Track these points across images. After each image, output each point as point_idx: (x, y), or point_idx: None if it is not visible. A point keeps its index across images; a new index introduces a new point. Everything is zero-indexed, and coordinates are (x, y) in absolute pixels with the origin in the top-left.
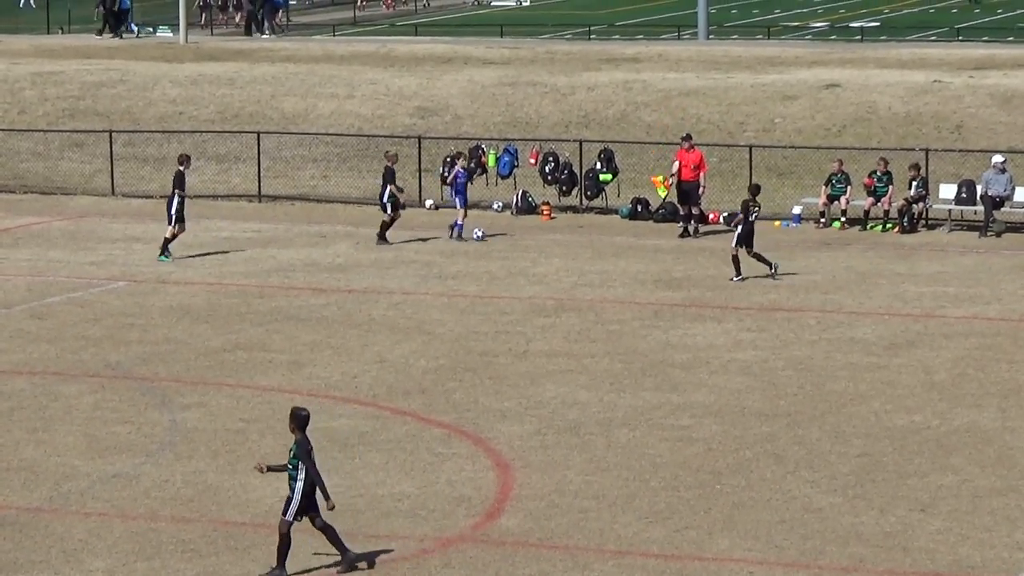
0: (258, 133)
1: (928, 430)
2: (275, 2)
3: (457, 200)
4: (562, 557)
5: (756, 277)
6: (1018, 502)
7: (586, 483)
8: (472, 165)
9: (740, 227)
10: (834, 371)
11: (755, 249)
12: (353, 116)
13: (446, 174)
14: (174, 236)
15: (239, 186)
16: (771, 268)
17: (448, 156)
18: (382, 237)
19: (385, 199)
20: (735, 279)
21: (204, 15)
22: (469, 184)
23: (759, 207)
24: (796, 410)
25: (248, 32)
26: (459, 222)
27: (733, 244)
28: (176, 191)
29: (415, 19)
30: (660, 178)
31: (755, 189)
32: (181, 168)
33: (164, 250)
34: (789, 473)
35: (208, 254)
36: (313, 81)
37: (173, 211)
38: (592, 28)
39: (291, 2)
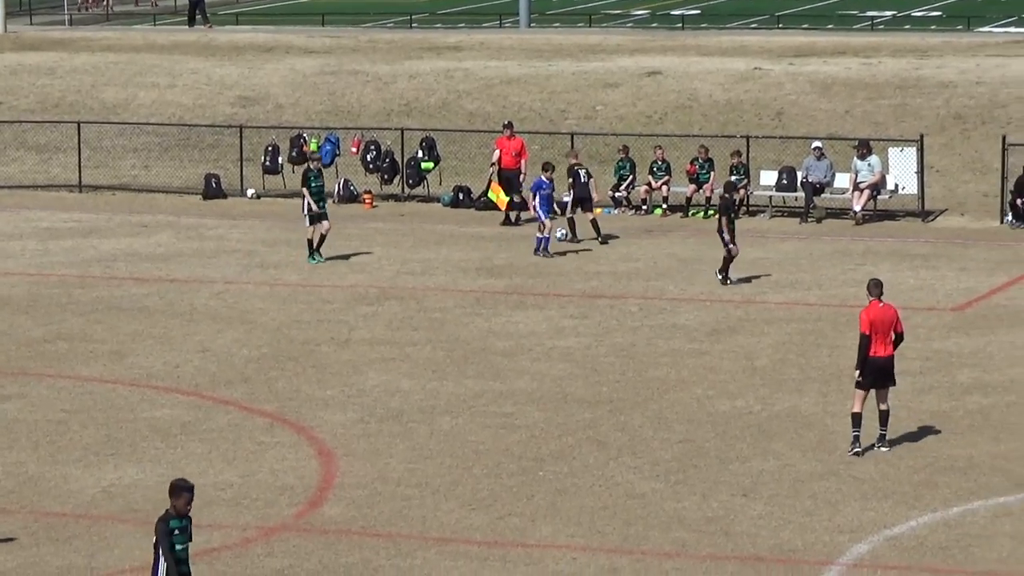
0: (78, 123)
1: (750, 415)
2: None
3: (540, 212)
4: (385, 545)
5: (580, 256)
6: (839, 486)
7: (409, 471)
8: (298, 153)
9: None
10: (656, 357)
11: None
12: (174, 106)
13: (267, 163)
14: (321, 236)
15: (59, 176)
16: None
17: (269, 145)
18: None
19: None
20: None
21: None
22: (552, 195)
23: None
24: (618, 396)
25: (191, 23)
26: (545, 235)
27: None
28: (304, 190)
29: (236, 8)
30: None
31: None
32: (308, 165)
33: (315, 249)
34: (612, 459)
35: (351, 255)
36: (134, 70)
37: (306, 211)
38: (414, 16)
39: None
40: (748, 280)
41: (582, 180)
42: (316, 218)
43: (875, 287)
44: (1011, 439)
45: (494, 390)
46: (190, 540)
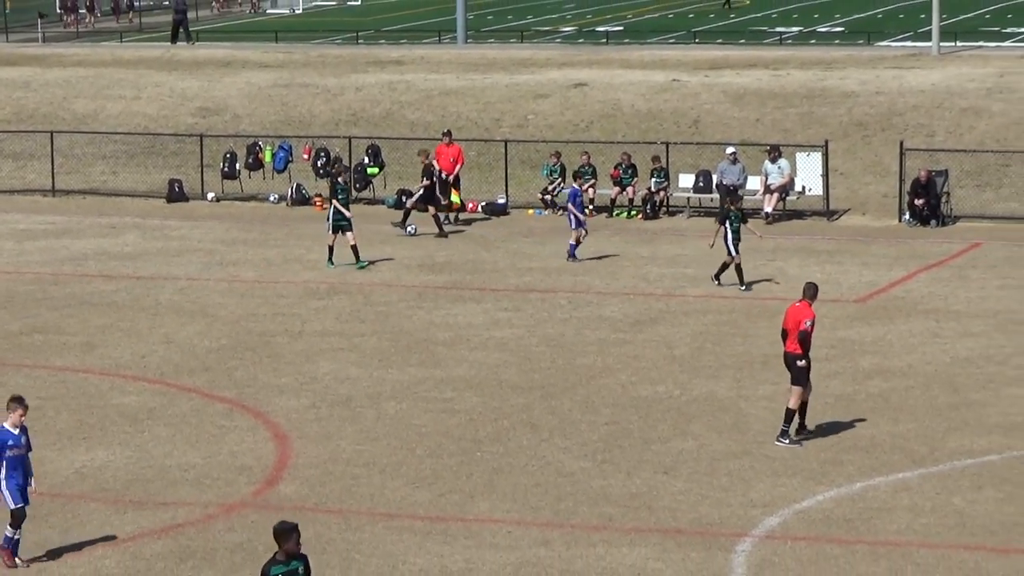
0: (51, 132)
1: (670, 399)
2: None
3: (572, 221)
4: (336, 520)
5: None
6: (752, 464)
7: (357, 452)
8: (254, 159)
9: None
10: (584, 346)
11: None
12: (140, 116)
13: (226, 169)
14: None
15: (35, 181)
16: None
17: (227, 152)
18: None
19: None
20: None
21: (65, 16)
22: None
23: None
24: (549, 383)
25: (174, 40)
26: (574, 242)
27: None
28: (332, 200)
29: (196, 26)
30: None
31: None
32: (337, 179)
33: (356, 257)
34: (543, 441)
35: (380, 260)
36: (102, 84)
37: (330, 220)
38: (360, 33)
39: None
40: (750, 286)
41: (435, 179)
42: (340, 227)
43: (805, 289)
44: (909, 420)
45: (435, 377)
46: None
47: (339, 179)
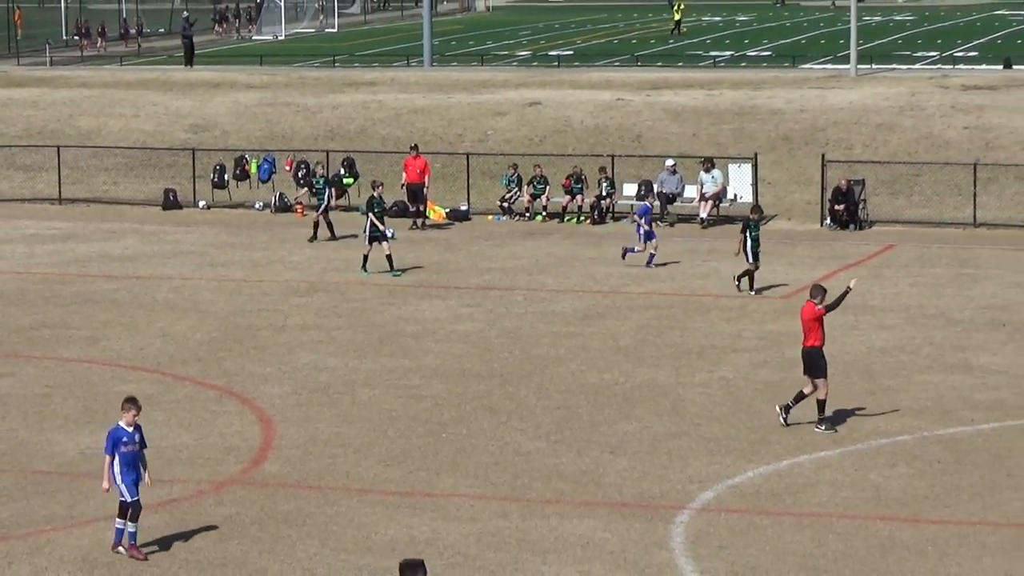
0: (58, 147)
1: (616, 386)
2: None
3: (641, 234)
4: (315, 495)
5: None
6: (689, 444)
7: (335, 434)
8: (241, 171)
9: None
10: (538, 338)
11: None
12: (138, 132)
13: (216, 180)
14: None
15: (43, 191)
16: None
17: (217, 164)
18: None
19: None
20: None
21: (83, 41)
22: (647, 220)
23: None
24: (507, 371)
25: (189, 63)
26: (646, 251)
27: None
28: (368, 213)
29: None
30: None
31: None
32: (373, 193)
33: (391, 265)
34: (502, 423)
35: (383, 271)
36: (104, 103)
37: (367, 231)
38: (336, 58)
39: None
40: (763, 290)
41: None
42: (377, 238)
43: (811, 289)
44: (830, 404)
45: (405, 366)
46: None
47: (375, 194)
